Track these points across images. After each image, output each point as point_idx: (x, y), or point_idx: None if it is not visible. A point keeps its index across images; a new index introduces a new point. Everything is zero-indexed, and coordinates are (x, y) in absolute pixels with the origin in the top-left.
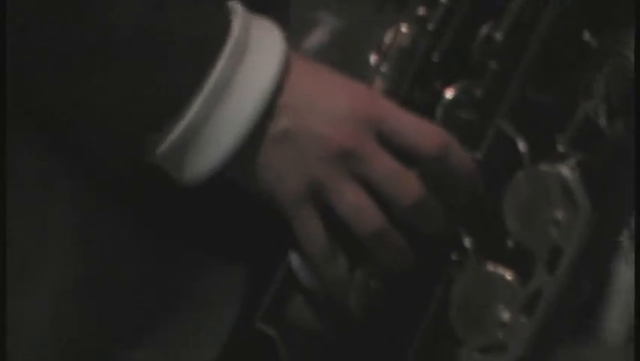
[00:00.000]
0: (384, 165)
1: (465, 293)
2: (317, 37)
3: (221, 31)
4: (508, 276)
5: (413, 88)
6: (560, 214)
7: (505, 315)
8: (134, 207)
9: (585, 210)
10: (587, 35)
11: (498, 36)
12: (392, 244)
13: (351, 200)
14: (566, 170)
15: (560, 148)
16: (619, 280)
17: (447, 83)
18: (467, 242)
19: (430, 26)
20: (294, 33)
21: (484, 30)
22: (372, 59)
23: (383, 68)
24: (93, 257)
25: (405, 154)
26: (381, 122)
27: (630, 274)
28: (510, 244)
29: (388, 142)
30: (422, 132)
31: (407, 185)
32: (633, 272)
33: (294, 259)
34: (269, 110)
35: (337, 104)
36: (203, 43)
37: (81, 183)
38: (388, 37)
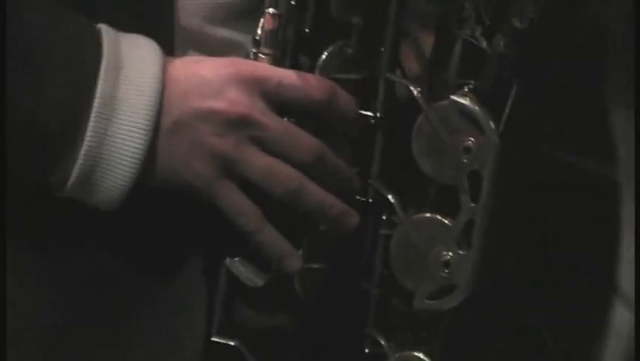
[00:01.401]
0: (277, 124)
1: (403, 247)
2: None
3: (94, 52)
4: (438, 217)
5: (294, 63)
6: (467, 141)
7: (446, 255)
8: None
9: (489, 129)
10: None
11: None
12: (314, 197)
13: (260, 164)
14: (460, 97)
15: (451, 82)
16: (617, 323)
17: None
18: (391, 198)
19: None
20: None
21: None
22: (250, 48)
23: (261, 55)
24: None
25: (293, 107)
26: (264, 81)
27: (630, 317)
28: (430, 185)
29: (277, 99)
30: (305, 82)
31: (303, 140)
32: (633, 316)
33: (231, 264)
34: (158, 109)
35: (217, 77)
36: (77, 67)
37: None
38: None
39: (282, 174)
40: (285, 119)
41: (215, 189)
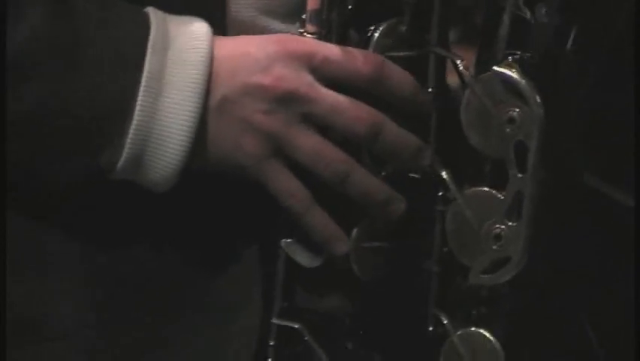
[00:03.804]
0: (327, 98)
1: (457, 223)
2: None
3: (141, 29)
4: (488, 190)
5: (340, 41)
6: (513, 112)
7: (497, 228)
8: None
9: (534, 99)
10: None
11: None
12: (362, 182)
13: (308, 145)
14: (503, 68)
15: (499, 54)
16: None
17: (370, 28)
18: (444, 175)
19: None
20: None
21: None
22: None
23: (308, 34)
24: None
25: (343, 83)
26: (312, 56)
27: None
28: (480, 160)
29: (324, 75)
30: (354, 57)
31: (357, 111)
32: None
33: (287, 245)
34: (206, 85)
35: (264, 52)
36: (125, 45)
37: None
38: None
39: (328, 157)
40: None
41: (263, 169)
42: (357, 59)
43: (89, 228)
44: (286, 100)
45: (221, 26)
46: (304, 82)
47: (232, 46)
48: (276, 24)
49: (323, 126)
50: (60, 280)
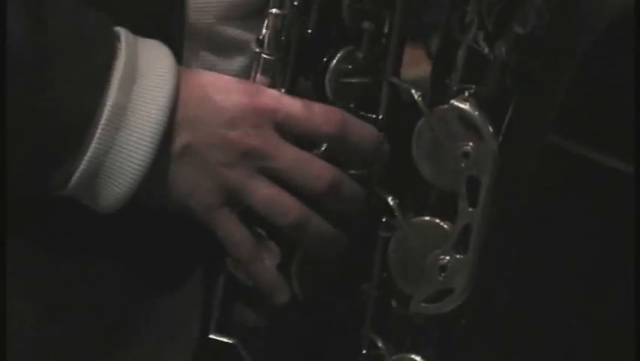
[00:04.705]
0: (288, 155)
1: (401, 250)
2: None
3: (109, 58)
4: (436, 221)
5: (297, 65)
6: (467, 146)
7: (443, 259)
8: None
9: (488, 134)
10: None
11: None
12: (317, 230)
13: (263, 195)
14: (460, 102)
15: (453, 87)
16: None
17: (329, 54)
18: (390, 201)
19: (296, 0)
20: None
21: None
22: (253, 48)
23: (265, 55)
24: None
25: (306, 139)
26: (275, 112)
27: None
28: (429, 190)
29: (287, 131)
30: (316, 113)
31: (316, 170)
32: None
33: (230, 261)
34: (168, 128)
35: (230, 103)
36: (92, 72)
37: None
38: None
39: (284, 206)
40: None
41: (213, 217)
42: (318, 116)
43: (32, 243)
44: (248, 155)
45: (179, 33)
46: (268, 138)
47: (199, 90)
48: (234, 31)
49: (282, 181)
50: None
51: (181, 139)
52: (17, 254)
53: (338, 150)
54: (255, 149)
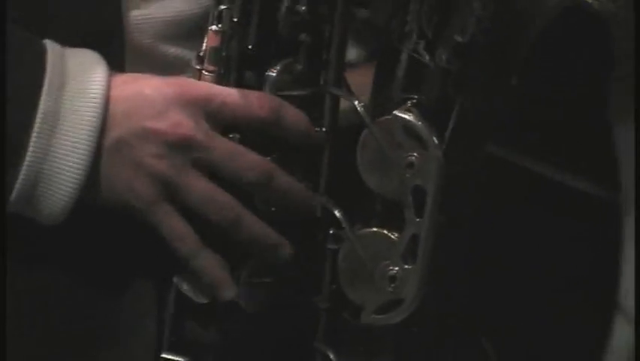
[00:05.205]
0: (221, 146)
1: (350, 261)
2: None
3: (37, 67)
4: (384, 232)
5: (239, 80)
6: (411, 156)
7: (392, 269)
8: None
9: (433, 144)
10: None
11: (301, 7)
12: (253, 229)
13: (199, 190)
14: (402, 112)
15: (395, 97)
16: (618, 340)
17: (269, 67)
18: (337, 213)
19: (235, 16)
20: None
21: (285, 4)
22: (194, 64)
23: (205, 72)
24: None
25: (239, 126)
26: (209, 101)
27: (630, 333)
28: (376, 200)
29: (221, 119)
30: (249, 100)
31: (249, 160)
32: (633, 332)
33: (178, 279)
34: (101, 127)
35: (160, 95)
36: (21, 83)
37: None
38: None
39: (218, 203)
40: (233, 135)
41: (153, 212)
42: (253, 103)
43: None
44: (180, 146)
45: (120, 53)
46: (199, 129)
47: (128, 86)
48: (175, 49)
49: (214, 172)
50: None
51: (113, 134)
52: None
53: (272, 134)
54: (187, 139)
